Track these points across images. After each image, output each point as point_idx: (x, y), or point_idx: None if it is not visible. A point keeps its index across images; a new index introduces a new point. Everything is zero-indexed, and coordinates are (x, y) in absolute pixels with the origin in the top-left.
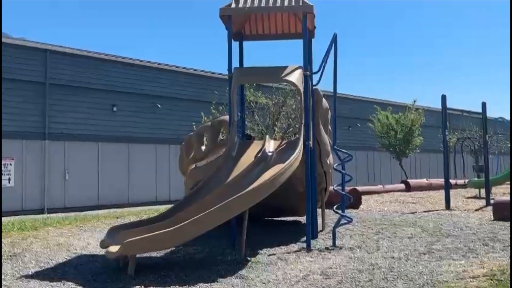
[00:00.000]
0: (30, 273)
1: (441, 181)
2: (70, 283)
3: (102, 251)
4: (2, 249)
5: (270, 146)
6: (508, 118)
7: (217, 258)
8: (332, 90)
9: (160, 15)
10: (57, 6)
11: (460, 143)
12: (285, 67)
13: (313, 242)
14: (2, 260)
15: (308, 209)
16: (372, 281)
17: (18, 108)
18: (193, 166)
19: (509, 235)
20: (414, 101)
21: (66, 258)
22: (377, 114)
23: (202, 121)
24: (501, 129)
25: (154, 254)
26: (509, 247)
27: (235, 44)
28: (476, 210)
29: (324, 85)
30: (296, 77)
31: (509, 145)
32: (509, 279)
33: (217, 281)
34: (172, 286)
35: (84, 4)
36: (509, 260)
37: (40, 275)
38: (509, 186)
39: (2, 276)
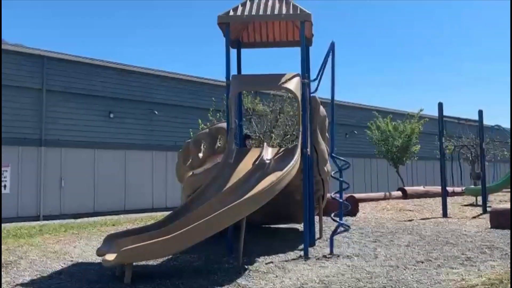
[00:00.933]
0: (25, 281)
1: (438, 188)
2: None
3: (98, 259)
4: None
5: (268, 153)
6: (504, 126)
7: (214, 266)
8: (329, 98)
9: (157, 22)
10: (54, 12)
11: (457, 151)
12: (283, 75)
13: (310, 250)
14: None
15: (306, 217)
16: None
17: (14, 115)
18: (191, 173)
19: (507, 243)
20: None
21: (62, 266)
22: (375, 121)
23: (200, 128)
24: (498, 136)
25: (151, 262)
26: (507, 255)
27: (233, 52)
28: (473, 217)
29: (321, 93)
30: (294, 84)
31: (506, 153)
32: (508, 287)
33: None
34: None
35: (81, 10)
36: (508, 269)
37: (35, 283)
38: (505, 193)
39: None
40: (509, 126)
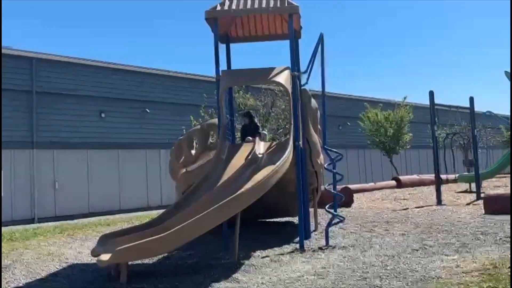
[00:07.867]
0: (21, 284)
1: (431, 176)
2: None
3: (94, 260)
4: None
5: (260, 148)
6: (495, 112)
7: (210, 262)
8: (320, 90)
9: (146, 19)
10: (42, 13)
11: (449, 138)
12: (272, 68)
13: (306, 242)
14: None
15: (300, 210)
16: (366, 280)
17: (5, 118)
18: (184, 170)
19: (501, 229)
20: (405, 98)
21: (57, 268)
22: (366, 112)
23: (192, 124)
24: (489, 123)
25: (146, 260)
26: (501, 241)
27: (222, 47)
28: (467, 204)
29: (312, 85)
30: (284, 78)
31: (498, 139)
32: (501, 273)
33: (210, 286)
34: None
35: (69, 11)
36: (503, 254)
37: (31, 287)
38: (498, 179)
39: None
40: (500, 112)
